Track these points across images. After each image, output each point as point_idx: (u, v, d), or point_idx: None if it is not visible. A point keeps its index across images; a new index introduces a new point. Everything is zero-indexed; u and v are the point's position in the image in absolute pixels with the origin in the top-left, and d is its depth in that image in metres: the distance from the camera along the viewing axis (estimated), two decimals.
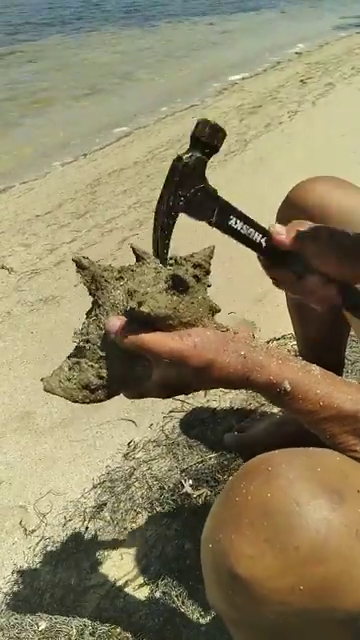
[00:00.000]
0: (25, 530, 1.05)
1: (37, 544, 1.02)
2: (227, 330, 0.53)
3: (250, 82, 4.44)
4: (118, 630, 0.87)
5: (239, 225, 0.59)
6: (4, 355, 1.53)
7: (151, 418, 1.26)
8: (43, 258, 2.03)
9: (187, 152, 0.54)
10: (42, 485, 1.14)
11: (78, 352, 0.55)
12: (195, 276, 0.52)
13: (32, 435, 1.27)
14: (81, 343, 0.55)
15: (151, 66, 5.19)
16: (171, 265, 0.54)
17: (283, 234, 0.62)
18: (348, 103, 3.53)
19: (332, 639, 0.52)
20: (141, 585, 0.93)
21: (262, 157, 2.72)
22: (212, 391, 1.31)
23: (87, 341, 0.54)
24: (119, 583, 0.94)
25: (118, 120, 3.77)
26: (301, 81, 4.18)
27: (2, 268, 1.98)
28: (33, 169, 3.04)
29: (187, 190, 0.54)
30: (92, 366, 0.54)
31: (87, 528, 1.04)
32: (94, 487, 1.11)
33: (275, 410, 1.25)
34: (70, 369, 0.55)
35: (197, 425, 1.22)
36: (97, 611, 0.90)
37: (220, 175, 2.52)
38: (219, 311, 0.54)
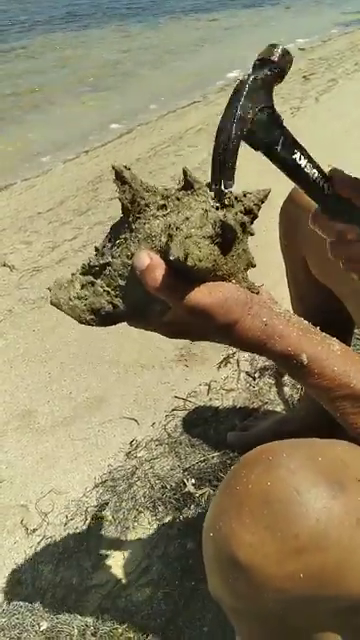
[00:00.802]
0: (26, 529, 1.05)
1: (38, 543, 1.02)
2: (257, 291, 0.50)
3: None
4: (120, 630, 0.86)
5: (303, 162, 0.52)
6: (5, 353, 1.53)
7: (153, 417, 1.26)
8: (45, 256, 2.02)
9: (253, 72, 0.50)
10: (44, 484, 1.13)
11: (95, 270, 0.50)
12: (242, 224, 0.47)
13: (33, 434, 1.26)
14: (102, 263, 0.49)
15: (153, 63, 5.17)
16: (220, 202, 0.47)
17: (350, 183, 0.56)
18: (351, 99, 3.51)
19: (332, 627, 0.52)
20: (143, 585, 0.93)
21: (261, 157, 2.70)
22: (214, 390, 1.30)
23: (108, 264, 0.49)
24: (121, 583, 0.93)
25: (120, 117, 3.75)
26: (304, 77, 4.15)
27: (3, 266, 1.97)
28: (34, 166, 3.03)
29: (256, 105, 0.48)
30: (108, 292, 0.49)
31: (89, 527, 1.03)
32: (96, 486, 1.11)
33: (278, 409, 1.24)
34: (83, 287, 0.50)
35: (200, 424, 1.21)
36: (99, 611, 0.90)
37: None
38: (254, 266, 0.50)
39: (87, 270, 0.50)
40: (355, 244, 0.59)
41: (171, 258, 0.44)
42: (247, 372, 1.34)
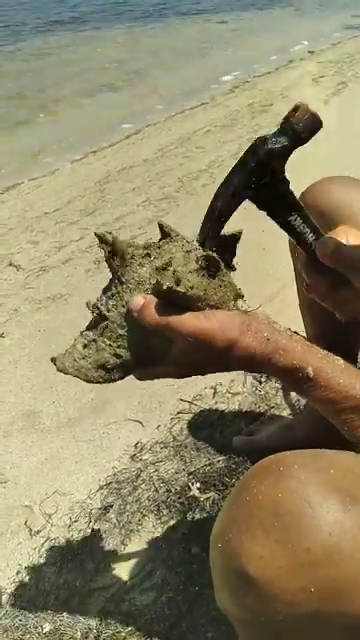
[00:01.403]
0: (30, 530, 1.04)
1: (42, 545, 1.01)
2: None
3: (261, 80, 4.40)
4: (123, 634, 0.86)
5: (298, 222, 0.56)
6: (11, 353, 1.53)
7: (158, 419, 1.25)
8: (51, 256, 2.02)
9: (273, 135, 0.50)
10: (48, 485, 1.13)
11: (94, 329, 0.53)
12: (224, 259, 0.51)
13: (38, 434, 1.26)
14: (99, 320, 0.53)
15: (162, 64, 5.17)
16: (198, 243, 0.52)
17: (328, 247, 0.59)
18: None
19: None
20: (147, 589, 0.92)
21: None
22: (220, 393, 1.30)
23: (106, 318, 0.52)
24: (124, 586, 0.93)
25: (128, 117, 3.75)
26: (313, 80, 4.14)
27: (10, 265, 1.97)
28: (42, 166, 3.03)
29: (261, 179, 0.50)
30: (110, 345, 0.52)
31: (93, 530, 1.03)
32: (100, 488, 1.10)
33: (284, 413, 1.23)
34: (85, 347, 0.53)
35: (205, 427, 1.21)
36: (102, 614, 0.89)
37: None
38: (242, 297, 0.54)
39: (86, 331, 0.54)
40: (331, 292, 0.62)
41: (164, 287, 0.48)
42: (253, 376, 1.33)
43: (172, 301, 0.48)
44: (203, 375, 0.54)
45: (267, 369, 0.50)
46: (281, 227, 0.57)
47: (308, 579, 0.43)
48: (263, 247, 1.80)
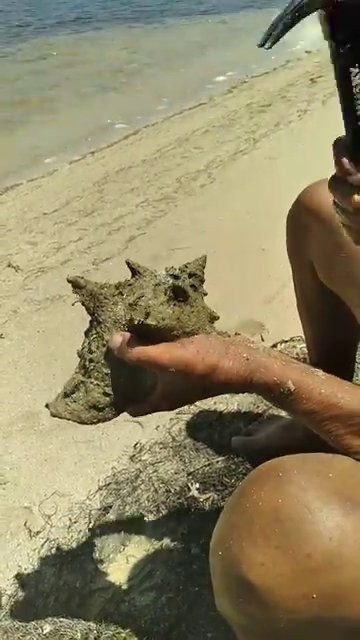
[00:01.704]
0: (30, 531, 1.04)
1: (42, 546, 1.01)
2: (228, 336, 0.54)
3: (259, 81, 4.41)
4: (123, 635, 0.86)
5: (357, 80, 0.48)
6: (10, 354, 1.53)
7: (157, 420, 1.25)
8: (50, 256, 2.02)
9: None
10: (47, 486, 1.13)
11: (82, 372, 0.55)
12: (192, 285, 0.53)
13: (37, 435, 1.26)
14: (84, 363, 0.55)
15: (160, 64, 5.17)
16: (166, 275, 0.54)
17: None
18: None
19: None
20: (146, 589, 0.92)
21: (271, 156, 2.70)
22: None
23: (90, 360, 0.54)
24: (124, 587, 0.93)
25: (126, 118, 3.75)
26: (311, 80, 4.15)
27: (9, 266, 1.97)
28: (40, 167, 3.03)
29: None
30: (98, 385, 0.54)
31: (92, 530, 1.03)
32: (100, 489, 1.10)
33: (283, 414, 1.23)
34: (75, 390, 0.55)
35: (204, 428, 1.21)
36: (102, 615, 0.89)
37: (229, 174, 2.51)
38: (218, 318, 0.55)
39: (74, 375, 0.56)
40: None
41: (135, 322, 0.49)
42: None
43: (148, 334, 0.50)
44: (192, 404, 0.55)
45: (249, 388, 0.51)
46: (337, 77, 0.49)
47: (309, 585, 0.43)
48: (262, 248, 1.80)
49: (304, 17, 0.47)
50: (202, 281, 0.54)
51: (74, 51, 5.90)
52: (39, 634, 0.87)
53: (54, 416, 0.56)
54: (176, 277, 0.53)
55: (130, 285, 0.55)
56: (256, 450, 1.09)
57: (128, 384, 0.54)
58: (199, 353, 0.49)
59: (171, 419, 1.25)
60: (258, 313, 1.53)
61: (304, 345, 1.30)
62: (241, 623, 0.50)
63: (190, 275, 0.53)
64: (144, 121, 3.67)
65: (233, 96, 4.07)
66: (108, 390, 0.54)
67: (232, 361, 0.49)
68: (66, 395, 0.56)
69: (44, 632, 0.87)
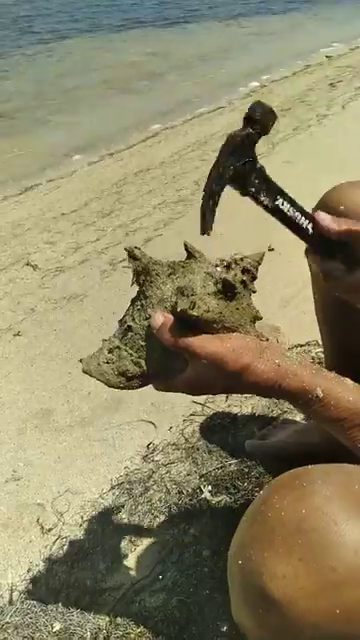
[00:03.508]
0: (42, 528, 1.05)
1: (54, 543, 1.02)
2: (266, 339, 0.54)
3: (279, 85, 4.39)
4: (132, 636, 0.86)
5: (286, 207, 0.60)
6: (27, 351, 1.54)
7: (171, 421, 1.25)
8: (68, 256, 2.03)
9: (240, 130, 0.58)
10: (60, 483, 1.13)
11: (120, 338, 0.56)
12: (243, 281, 0.53)
13: (52, 433, 1.26)
14: (123, 330, 0.56)
15: (180, 67, 5.18)
16: (221, 265, 0.55)
17: (329, 222, 0.61)
18: None
19: None
20: (157, 590, 0.92)
21: (290, 160, 2.68)
22: (234, 396, 1.29)
23: (130, 329, 0.55)
24: (135, 587, 0.93)
25: (145, 120, 3.77)
26: (331, 84, 4.12)
27: (27, 265, 1.99)
28: (60, 167, 3.06)
29: (236, 160, 0.56)
30: (131, 354, 0.55)
31: (104, 529, 1.03)
32: (112, 488, 1.10)
33: (298, 418, 1.22)
34: (110, 352, 0.56)
35: (218, 430, 1.20)
36: (112, 615, 0.89)
37: None
38: (260, 319, 0.55)
39: (112, 338, 0.57)
40: (339, 281, 0.63)
41: (179, 309, 0.50)
42: None
43: (189, 322, 0.51)
44: (214, 395, 0.56)
45: (277, 393, 0.52)
46: (271, 213, 0.60)
47: (333, 600, 0.41)
48: (279, 252, 1.79)
49: (220, 194, 0.57)
50: (254, 278, 0.55)
51: (95, 53, 5.96)
52: (49, 632, 0.87)
53: (85, 372, 0.57)
54: (229, 268, 0.53)
55: (183, 267, 0.55)
56: (270, 454, 1.09)
57: (159, 361, 0.55)
58: (234, 351, 0.49)
59: (184, 420, 1.24)
60: (274, 317, 1.52)
61: (320, 350, 1.28)
62: (258, 636, 0.48)
63: (244, 270, 0.54)
64: (163, 123, 3.68)
65: (252, 100, 4.06)
66: (140, 362, 0.55)
67: (264, 365, 0.50)
68: (101, 355, 0.56)
69: (54, 630, 0.88)
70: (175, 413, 1.27)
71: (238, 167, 0.57)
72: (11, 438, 1.26)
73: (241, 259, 0.54)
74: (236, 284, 0.52)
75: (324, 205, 0.86)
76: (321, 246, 0.62)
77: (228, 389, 0.53)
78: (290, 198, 0.60)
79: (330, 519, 0.43)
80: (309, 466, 0.49)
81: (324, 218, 0.61)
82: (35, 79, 4.97)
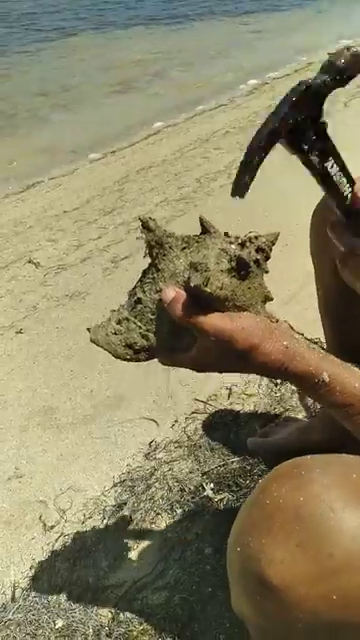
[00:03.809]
0: (44, 525, 1.05)
1: (56, 540, 1.02)
2: (276, 321, 0.53)
3: (281, 82, 4.38)
4: (135, 633, 0.86)
5: (334, 170, 0.55)
6: (29, 349, 1.54)
7: (173, 418, 1.25)
8: (70, 254, 2.03)
9: (316, 76, 0.50)
10: (63, 481, 1.13)
11: (129, 309, 0.56)
12: (256, 260, 0.52)
13: (54, 430, 1.27)
14: (133, 302, 0.55)
15: (182, 65, 5.17)
16: (235, 242, 0.53)
17: None
18: None
19: None
20: (159, 588, 0.92)
21: (291, 158, 2.68)
22: (235, 394, 1.29)
23: (139, 301, 0.54)
24: (137, 585, 0.93)
25: (147, 118, 3.76)
26: None
27: (29, 262, 1.99)
28: (62, 165, 3.05)
29: (300, 112, 0.50)
30: (140, 327, 0.54)
31: (106, 527, 1.03)
32: (114, 485, 1.10)
33: (300, 416, 1.22)
34: (118, 323, 0.55)
35: (220, 428, 1.20)
36: (114, 612, 0.89)
37: None
38: (271, 299, 0.55)
39: (121, 308, 0.56)
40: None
41: (192, 285, 0.49)
42: (269, 378, 1.33)
43: (201, 298, 0.50)
44: (220, 373, 0.55)
45: (283, 375, 0.52)
46: (316, 175, 0.55)
47: (330, 586, 0.42)
48: (280, 249, 1.78)
49: (268, 151, 0.52)
50: (268, 258, 0.54)
51: (97, 50, 5.94)
52: (51, 628, 0.88)
53: (92, 341, 0.56)
54: (243, 246, 0.52)
55: (197, 242, 0.54)
56: (272, 452, 1.08)
57: (167, 336, 0.54)
58: (244, 330, 0.49)
59: (186, 418, 1.24)
60: (276, 313, 1.52)
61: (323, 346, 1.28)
62: (257, 622, 0.49)
63: (258, 249, 0.53)
64: (165, 121, 3.67)
65: (254, 97, 4.05)
66: (148, 335, 0.54)
67: (272, 346, 0.50)
68: (109, 325, 0.56)
69: (56, 627, 0.88)
70: (177, 411, 1.27)
71: (300, 120, 0.50)
72: (13, 435, 1.26)
73: (256, 237, 0.53)
74: (250, 263, 0.51)
75: (326, 202, 0.86)
76: (352, 219, 0.57)
77: (234, 368, 0.53)
78: (342, 162, 0.54)
79: (328, 506, 0.43)
80: (308, 456, 0.49)
81: None
82: (39, 76, 4.96)
